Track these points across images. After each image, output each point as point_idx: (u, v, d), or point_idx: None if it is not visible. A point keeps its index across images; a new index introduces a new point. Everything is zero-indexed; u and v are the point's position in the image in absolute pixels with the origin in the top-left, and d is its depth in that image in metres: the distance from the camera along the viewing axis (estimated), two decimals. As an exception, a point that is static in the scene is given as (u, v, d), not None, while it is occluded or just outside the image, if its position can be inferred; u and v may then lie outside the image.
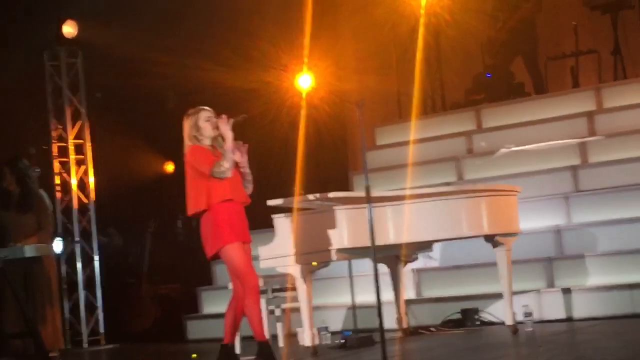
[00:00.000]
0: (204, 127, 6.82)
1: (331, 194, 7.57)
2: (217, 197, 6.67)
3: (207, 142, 6.82)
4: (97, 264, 11.49)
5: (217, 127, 6.75)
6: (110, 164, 12.28)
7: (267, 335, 7.03)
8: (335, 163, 12.05)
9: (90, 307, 11.38)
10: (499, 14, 12.13)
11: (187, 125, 6.89)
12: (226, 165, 6.63)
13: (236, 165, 6.74)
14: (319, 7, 11.02)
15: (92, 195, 11.54)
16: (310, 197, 7.61)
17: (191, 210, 6.76)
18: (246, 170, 6.85)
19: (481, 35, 12.71)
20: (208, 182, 6.67)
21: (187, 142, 6.87)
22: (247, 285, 6.64)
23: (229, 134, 6.68)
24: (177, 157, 13.11)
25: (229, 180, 6.67)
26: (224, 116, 6.72)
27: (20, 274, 8.11)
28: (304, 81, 10.36)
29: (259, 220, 7.90)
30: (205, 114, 6.86)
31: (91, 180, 11.53)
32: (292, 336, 9.01)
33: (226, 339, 6.84)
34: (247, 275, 6.65)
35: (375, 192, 7.25)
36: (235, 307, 6.79)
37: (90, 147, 11.57)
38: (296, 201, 7.57)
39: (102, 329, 11.38)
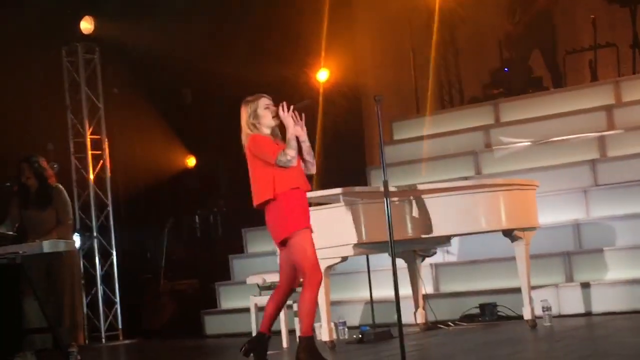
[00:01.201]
0: (264, 115, 6.56)
1: (349, 189, 7.56)
2: (284, 186, 6.43)
3: (266, 130, 6.57)
4: (115, 259, 11.53)
5: (276, 115, 6.52)
6: (128, 159, 12.32)
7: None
8: (352, 158, 12.05)
9: (109, 303, 11.41)
10: (517, 7, 12.10)
11: (245, 113, 6.61)
12: (291, 153, 6.38)
13: (299, 150, 6.49)
14: (336, 2, 11.01)
15: (110, 190, 11.56)
16: (328, 191, 7.59)
17: (258, 200, 6.52)
18: (306, 143, 6.56)
19: (498, 30, 12.69)
20: (274, 170, 6.43)
21: (247, 131, 6.59)
22: (311, 278, 6.39)
23: (290, 122, 6.43)
24: (199, 150, 13.19)
25: (294, 167, 6.44)
26: (284, 103, 6.49)
27: (42, 269, 8.15)
28: (321, 76, 10.44)
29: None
30: (264, 101, 6.59)
31: (108, 176, 11.55)
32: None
33: (262, 327, 6.71)
34: (313, 268, 6.40)
35: (393, 187, 7.23)
36: (277, 300, 6.66)
37: (107, 143, 11.60)
38: (313, 196, 7.55)
39: (120, 324, 11.42)
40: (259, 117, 6.56)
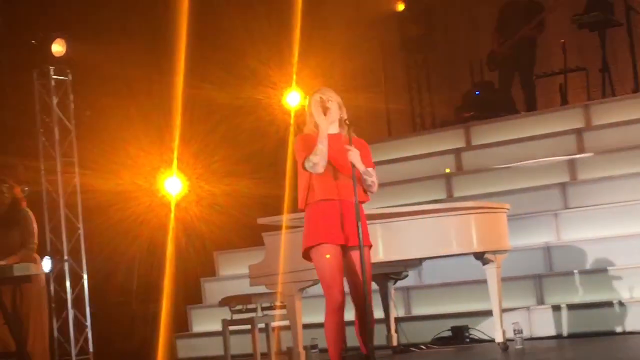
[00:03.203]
0: (315, 112, 6.03)
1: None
2: (316, 196, 5.95)
3: (319, 120, 5.98)
4: (86, 282, 11.45)
5: (326, 110, 6.00)
6: (100, 182, 12.24)
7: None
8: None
9: (79, 326, 11.32)
10: (504, 29, 12.18)
11: (307, 109, 6.15)
12: (314, 159, 5.86)
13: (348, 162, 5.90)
14: (309, 26, 11.04)
15: (81, 213, 11.49)
16: (300, 215, 7.58)
17: (298, 207, 6.11)
18: (361, 168, 5.92)
19: (470, 53, 12.79)
20: (311, 177, 5.96)
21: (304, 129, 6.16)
22: (327, 300, 5.98)
23: (322, 123, 5.93)
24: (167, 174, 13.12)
25: (331, 176, 5.94)
26: (320, 97, 6.02)
27: (8, 291, 8.08)
28: (292, 98, 10.43)
29: (255, 238, 7.85)
30: (317, 96, 6.05)
31: (79, 198, 11.49)
32: (281, 354, 8.99)
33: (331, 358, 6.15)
34: (328, 289, 5.95)
35: (365, 210, 7.24)
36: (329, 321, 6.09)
37: (78, 166, 11.53)
38: (286, 219, 7.55)
39: (90, 348, 11.32)
40: (311, 115, 6.07)
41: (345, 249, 6.01)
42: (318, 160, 5.88)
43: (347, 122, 5.98)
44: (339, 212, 5.92)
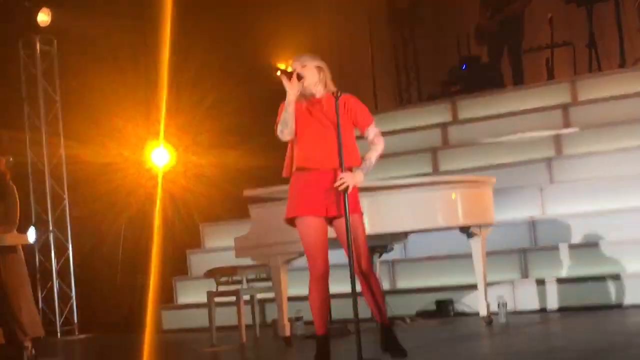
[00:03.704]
0: (283, 81, 5.92)
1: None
2: (294, 164, 5.94)
3: (291, 97, 5.90)
4: (71, 253, 11.44)
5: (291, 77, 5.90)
6: (86, 154, 12.21)
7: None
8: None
9: (64, 297, 11.33)
10: (492, 3, 12.17)
11: None
12: (279, 127, 5.87)
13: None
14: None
15: (66, 184, 11.48)
16: (287, 187, 7.58)
17: (283, 174, 6.08)
18: (361, 178, 5.86)
19: (458, 27, 12.77)
20: (292, 145, 5.97)
21: None
22: (309, 270, 5.93)
23: (288, 91, 5.89)
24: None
25: (312, 143, 5.89)
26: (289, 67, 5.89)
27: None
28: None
29: (240, 211, 7.84)
30: (293, 64, 6.01)
31: (65, 169, 11.47)
32: (267, 326, 9.02)
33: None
34: (310, 260, 5.90)
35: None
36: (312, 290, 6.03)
37: (64, 137, 11.51)
38: (272, 191, 7.54)
39: (75, 319, 11.34)
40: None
41: (332, 219, 5.97)
42: (282, 128, 5.87)
43: (334, 94, 5.95)
44: (320, 182, 5.88)
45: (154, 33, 11.10)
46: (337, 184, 5.80)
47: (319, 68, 6.03)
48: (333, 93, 5.92)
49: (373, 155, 6.01)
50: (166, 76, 10.92)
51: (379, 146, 6.03)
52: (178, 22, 10.90)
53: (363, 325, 6.06)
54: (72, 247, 11.48)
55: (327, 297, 6.10)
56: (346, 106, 5.99)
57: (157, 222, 12.23)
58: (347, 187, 5.81)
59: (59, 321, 11.19)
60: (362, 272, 6.00)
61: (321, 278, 5.98)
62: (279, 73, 5.95)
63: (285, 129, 5.88)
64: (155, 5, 11.00)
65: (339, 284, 8.66)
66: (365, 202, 7.41)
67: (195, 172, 11.59)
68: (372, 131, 6.05)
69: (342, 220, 5.86)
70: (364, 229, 6.04)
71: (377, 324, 6.24)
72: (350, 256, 5.86)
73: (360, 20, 13.08)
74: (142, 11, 11.74)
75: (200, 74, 11.27)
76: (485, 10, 12.26)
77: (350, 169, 5.91)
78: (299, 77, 5.93)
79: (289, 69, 6.05)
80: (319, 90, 6.03)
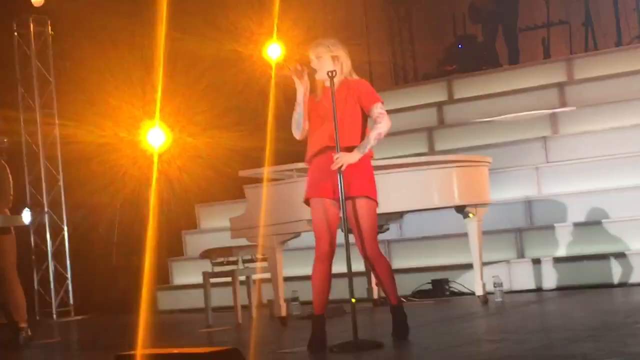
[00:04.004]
0: (295, 78, 6.00)
1: (302, 164, 7.54)
2: (310, 151, 6.04)
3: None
4: (66, 234, 11.43)
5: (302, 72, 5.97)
6: (81, 134, 12.18)
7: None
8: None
9: (60, 278, 11.32)
10: None
11: None
12: (292, 127, 5.99)
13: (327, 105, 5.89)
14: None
15: (61, 165, 11.45)
16: (282, 167, 7.57)
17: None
18: (356, 157, 5.81)
19: (453, 6, 12.73)
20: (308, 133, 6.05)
21: None
22: (315, 250, 5.97)
23: (297, 88, 5.99)
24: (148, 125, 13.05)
25: (322, 129, 5.91)
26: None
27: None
28: (273, 51, 10.33)
29: (236, 191, 7.81)
30: (309, 53, 6.04)
31: (59, 150, 11.43)
32: (262, 306, 9.02)
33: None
34: (316, 240, 5.92)
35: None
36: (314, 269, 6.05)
37: (58, 117, 11.47)
38: (267, 171, 7.53)
39: (71, 300, 11.34)
40: None
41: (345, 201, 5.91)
42: (293, 129, 6.00)
43: (330, 73, 5.92)
44: (327, 164, 5.84)
45: (150, 12, 11.04)
46: (333, 164, 5.79)
47: (334, 57, 6.01)
48: (331, 79, 5.88)
49: (372, 134, 5.96)
50: (162, 56, 10.85)
51: (379, 125, 5.97)
52: (174, 1, 10.85)
53: (359, 306, 6.05)
54: (68, 228, 11.45)
55: (327, 278, 6.08)
56: (351, 88, 5.99)
57: (152, 202, 12.20)
58: (342, 166, 5.79)
59: (55, 303, 11.18)
60: (366, 255, 6.01)
61: (324, 258, 5.98)
62: (287, 71, 5.97)
63: (297, 130, 5.99)
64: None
65: (335, 265, 8.67)
66: (361, 182, 7.41)
67: (191, 153, 11.56)
68: (376, 111, 6.00)
69: (356, 202, 5.88)
70: (369, 212, 5.96)
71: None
72: (346, 236, 5.85)
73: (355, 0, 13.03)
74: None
75: (196, 54, 11.22)
76: None
77: (351, 149, 5.88)
78: (311, 72, 5.95)
79: (297, 66, 5.99)
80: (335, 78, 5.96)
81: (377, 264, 6.05)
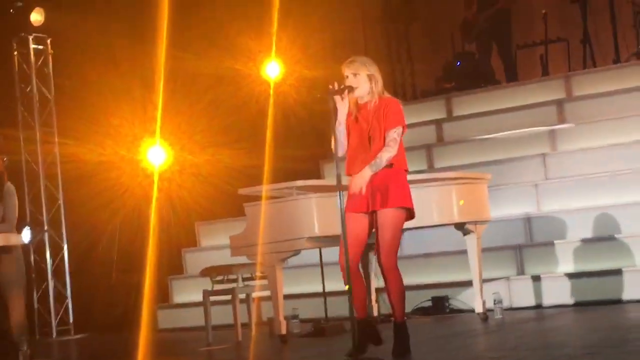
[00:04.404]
0: (334, 97, 6.12)
1: (301, 182, 7.56)
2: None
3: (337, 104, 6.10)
4: (66, 253, 11.42)
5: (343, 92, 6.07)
6: (82, 152, 12.19)
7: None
8: (306, 151, 12.05)
9: (59, 297, 11.31)
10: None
11: None
12: (333, 145, 6.04)
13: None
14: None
15: (61, 184, 11.45)
16: (281, 185, 7.59)
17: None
18: (368, 174, 5.98)
19: (451, 24, 12.77)
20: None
21: None
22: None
23: (339, 108, 6.08)
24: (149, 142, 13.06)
25: (352, 147, 6.09)
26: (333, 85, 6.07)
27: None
28: (272, 69, 10.39)
29: (237, 209, 7.80)
30: (343, 71, 6.14)
31: (59, 168, 11.44)
32: (262, 324, 9.01)
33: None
34: (346, 250, 5.99)
35: (346, 180, 7.24)
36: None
37: (58, 136, 11.48)
38: (267, 190, 7.55)
39: (71, 319, 11.32)
40: None
41: (374, 214, 6.08)
42: (335, 147, 6.03)
43: (342, 87, 6.04)
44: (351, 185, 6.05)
45: (151, 30, 11.08)
46: (351, 189, 5.98)
47: (370, 76, 6.13)
48: (380, 97, 6.07)
49: (385, 155, 6.03)
50: (162, 74, 10.89)
51: (391, 148, 6.04)
52: (174, 20, 10.88)
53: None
54: (67, 246, 11.45)
55: (358, 287, 6.15)
56: (381, 107, 6.10)
57: (152, 220, 12.21)
58: (361, 189, 5.94)
59: (55, 321, 11.17)
60: (381, 265, 6.12)
61: (351, 269, 6.01)
62: (330, 90, 6.05)
63: (340, 148, 6.07)
64: (150, 3, 10.99)
65: (335, 282, 8.68)
66: (360, 199, 7.42)
67: (191, 171, 11.57)
68: (393, 135, 6.08)
69: (380, 214, 6.02)
70: (393, 223, 6.06)
71: None
72: (346, 251, 5.88)
73: (354, 17, 13.06)
74: (138, 9, 11.72)
75: (196, 73, 11.25)
76: (470, 4, 12.27)
77: (390, 165, 6.03)
78: (350, 90, 6.06)
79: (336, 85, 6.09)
80: (368, 98, 6.11)
81: (389, 277, 6.13)
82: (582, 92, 10.96)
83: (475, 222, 7.87)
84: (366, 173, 5.97)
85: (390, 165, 6.03)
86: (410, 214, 6.14)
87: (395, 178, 6.06)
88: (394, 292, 6.14)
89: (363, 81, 6.09)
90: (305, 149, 11.69)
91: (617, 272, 8.41)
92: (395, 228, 6.06)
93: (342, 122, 6.08)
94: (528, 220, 9.44)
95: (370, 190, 6.00)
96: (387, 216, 6.03)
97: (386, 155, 6.01)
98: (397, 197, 6.04)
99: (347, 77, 6.09)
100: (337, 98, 6.05)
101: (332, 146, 6.06)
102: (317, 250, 8.35)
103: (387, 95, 6.20)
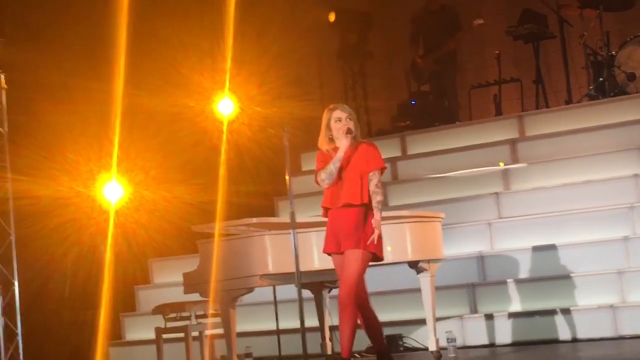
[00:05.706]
0: (334, 127, 6.65)
1: (255, 220, 7.55)
2: (325, 203, 6.66)
3: (338, 143, 6.64)
4: (17, 289, 11.28)
5: (347, 132, 6.60)
6: (36, 188, 12.09)
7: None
8: (259, 188, 12.05)
9: (10, 334, 11.16)
10: (420, 41, 12.35)
11: (323, 122, 6.72)
12: (323, 175, 6.52)
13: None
14: (242, 33, 11.04)
15: (13, 220, 11.34)
16: (235, 222, 7.57)
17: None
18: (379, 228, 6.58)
19: (407, 63, 12.87)
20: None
21: (319, 144, 6.74)
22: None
23: (343, 145, 6.54)
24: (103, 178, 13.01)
25: (337, 185, 6.56)
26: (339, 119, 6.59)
27: None
28: (225, 106, 10.42)
29: (192, 246, 7.80)
30: (337, 114, 6.65)
31: (11, 205, 11.32)
32: (216, 362, 8.96)
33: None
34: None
35: (300, 218, 7.25)
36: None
37: (11, 171, 11.37)
38: (220, 227, 7.53)
39: (21, 357, 11.16)
40: (331, 129, 6.66)
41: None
42: (325, 178, 6.52)
43: (348, 132, 6.52)
44: (335, 220, 6.57)
45: (107, 67, 11.07)
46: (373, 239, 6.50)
47: (354, 120, 6.71)
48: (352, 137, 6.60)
49: (377, 215, 6.57)
50: (119, 111, 10.88)
51: (377, 191, 6.62)
52: (130, 57, 10.88)
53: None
54: (19, 283, 11.31)
55: (348, 324, 6.59)
56: (363, 149, 6.61)
57: (107, 257, 12.12)
58: (380, 234, 6.53)
59: (5, 359, 11.01)
60: (339, 302, 6.43)
61: (342, 305, 6.49)
62: (333, 125, 6.63)
63: (328, 179, 6.50)
64: (106, 39, 10.99)
65: (288, 320, 8.66)
66: (314, 237, 7.44)
67: (147, 207, 11.52)
68: (376, 179, 6.64)
69: (345, 255, 6.49)
70: (351, 261, 6.47)
71: None
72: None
73: (309, 55, 13.13)
74: (94, 46, 11.71)
75: (151, 110, 11.23)
76: (416, 47, 12.41)
77: (362, 205, 6.52)
78: (350, 132, 6.58)
79: (330, 117, 6.70)
80: (352, 142, 6.63)
81: (341, 311, 6.46)
82: (535, 132, 11.07)
83: (429, 261, 7.88)
84: (379, 217, 6.49)
85: (360, 204, 6.49)
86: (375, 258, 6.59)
87: (360, 220, 6.54)
88: (342, 328, 6.53)
89: (353, 124, 6.63)
90: (260, 184, 11.70)
91: (568, 312, 8.47)
92: (356, 263, 6.54)
93: (341, 159, 6.51)
94: (481, 258, 9.49)
95: (340, 231, 6.47)
96: (349, 254, 6.49)
97: (381, 199, 6.58)
98: (362, 239, 6.52)
99: (340, 119, 6.54)
100: (344, 136, 6.52)
101: (320, 178, 6.47)
102: (272, 287, 8.32)
103: (359, 137, 6.71)
